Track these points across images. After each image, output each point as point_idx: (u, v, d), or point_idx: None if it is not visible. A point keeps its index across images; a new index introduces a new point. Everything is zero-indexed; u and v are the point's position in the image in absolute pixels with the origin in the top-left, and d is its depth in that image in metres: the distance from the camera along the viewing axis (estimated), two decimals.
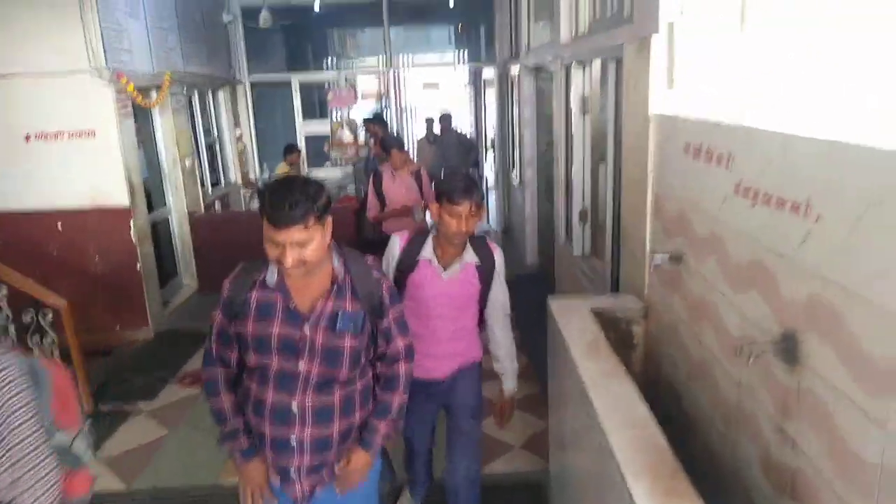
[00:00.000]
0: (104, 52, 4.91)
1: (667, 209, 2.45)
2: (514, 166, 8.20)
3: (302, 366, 1.82)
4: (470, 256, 2.43)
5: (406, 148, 5.75)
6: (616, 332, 2.72)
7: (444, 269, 2.42)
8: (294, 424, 1.85)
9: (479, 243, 2.48)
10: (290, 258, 1.68)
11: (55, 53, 4.84)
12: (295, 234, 1.65)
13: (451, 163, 8.01)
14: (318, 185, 1.73)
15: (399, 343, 1.98)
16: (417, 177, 4.90)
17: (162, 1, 6.16)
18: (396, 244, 2.47)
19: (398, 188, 4.83)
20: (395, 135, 5.44)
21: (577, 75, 4.19)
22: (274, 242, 1.69)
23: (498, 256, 2.50)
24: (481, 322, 2.61)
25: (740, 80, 2.39)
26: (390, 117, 9.23)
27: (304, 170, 8.55)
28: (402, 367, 1.99)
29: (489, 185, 9.72)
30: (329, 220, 1.75)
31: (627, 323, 2.73)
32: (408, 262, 2.43)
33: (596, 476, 1.94)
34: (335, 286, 1.84)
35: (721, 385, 1.96)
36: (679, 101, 2.47)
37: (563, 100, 4.56)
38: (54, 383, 1.70)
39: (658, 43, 2.44)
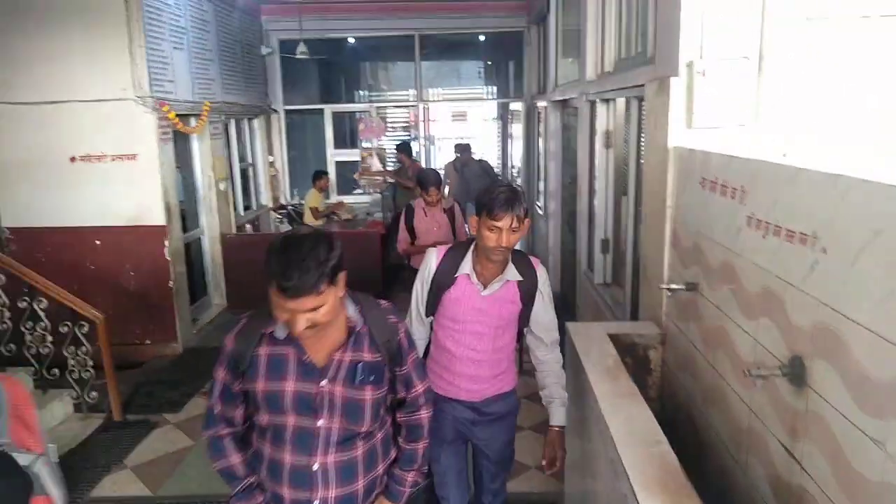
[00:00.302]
0: (149, 81, 5.19)
1: (683, 240, 2.53)
2: (538, 197, 8.33)
3: (321, 423, 1.71)
4: (512, 274, 2.27)
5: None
6: (634, 358, 2.79)
7: (484, 286, 2.27)
8: (316, 486, 1.73)
9: (520, 260, 2.32)
10: (300, 325, 1.57)
11: (104, 82, 5.13)
12: (306, 303, 1.54)
13: (475, 188, 8.17)
14: (329, 243, 1.59)
15: (419, 388, 1.90)
16: (451, 214, 4.77)
17: (205, 34, 6.48)
18: (434, 258, 2.32)
19: (429, 224, 4.72)
20: (432, 169, 5.28)
21: (601, 111, 4.31)
22: (283, 309, 1.57)
23: (541, 273, 2.34)
24: (519, 342, 2.48)
25: (757, 117, 2.48)
26: (419, 147, 9.46)
27: (334, 196, 8.77)
28: (424, 413, 1.92)
29: None
30: (342, 275, 1.63)
31: (645, 349, 2.79)
32: (445, 277, 2.28)
33: (609, 494, 2.00)
34: (352, 336, 1.74)
35: (733, 409, 2.02)
36: (697, 137, 2.57)
37: (587, 134, 4.69)
38: (10, 400, 1.68)
39: (677, 84, 2.55)
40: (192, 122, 6.10)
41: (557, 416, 2.39)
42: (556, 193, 6.90)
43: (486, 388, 2.39)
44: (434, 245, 4.66)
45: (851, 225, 1.38)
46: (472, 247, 2.30)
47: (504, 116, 10.65)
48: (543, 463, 2.40)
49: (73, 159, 5.33)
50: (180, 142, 6.13)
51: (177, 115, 5.53)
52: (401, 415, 1.93)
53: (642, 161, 3.21)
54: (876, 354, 1.29)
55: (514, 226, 2.11)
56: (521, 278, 2.29)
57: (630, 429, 1.97)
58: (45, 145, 5.27)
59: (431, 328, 2.43)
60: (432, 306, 2.35)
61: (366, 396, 1.75)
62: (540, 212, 7.98)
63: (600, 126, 4.34)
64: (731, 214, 2.02)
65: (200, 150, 6.49)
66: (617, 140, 4.21)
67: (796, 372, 1.59)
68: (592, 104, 4.50)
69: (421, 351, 2.39)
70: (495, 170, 9.27)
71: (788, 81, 2.46)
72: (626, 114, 3.89)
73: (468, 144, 8.59)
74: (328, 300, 1.58)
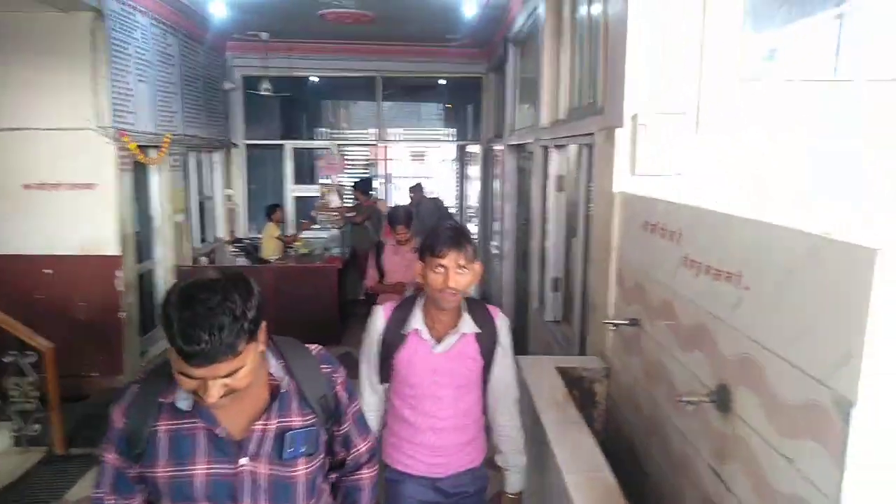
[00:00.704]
0: (111, 112, 5.21)
1: (627, 279, 2.71)
2: (493, 237, 8.54)
3: None
4: (468, 326, 2.06)
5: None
6: (580, 391, 2.92)
7: (438, 341, 2.06)
8: None
9: (477, 309, 2.12)
10: (214, 394, 1.26)
11: (65, 111, 5.12)
12: (220, 369, 1.24)
13: (427, 225, 8.34)
14: (245, 287, 1.29)
15: (361, 446, 1.64)
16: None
17: (169, 67, 6.54)
18: (380, 316, 2.11)
19: (398, 263, 4.66)
20: (401, 206, 5.33)
21: (554, 156, 4.54)
22: (188, 378, 1.26)
23: (500, 324, 2.12)
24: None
25: (694, 167, 2.71)
26: (379, 185, 9.61)
27: (290, 230, 8.80)
28: (366, 473, 1.67)
29: None
30: (263, 327, 1.34)
31: (590, 382, 2.93)
32: (394, 336, 2.06)
33: None
34: (276, 398, 1.42)
35: (670, 437, 2.16)
36: (641, 184, 2.77)
37: (541, 178, 4.91)
38: None
39: (622, 134, 2.76)
40: (153, 153, 6.10)
41: (515, 483, 2.22)
42: (511, 233, 7.11)
43: (452, 460, 2.16)
44: (397, 284, 4.54)
45: (769, 265, 1.56)
46: (420, 300, 2.10)
47: (462, 158, 10.93)
48: None
49: (26, 187, 5.26)
50: (138, 173, 6.11)
51: (137, 146, 5.53)
52: (336, 476, 1.65)
53: (591, 205, 3.41)
54: (788, 381, 1.45)
55: (461, 263, 1.94)
56: (478, 330, 2.07)
57: (575, 456, 2.09)
58: None
59: (387, 396, 2.22)
60: (385, 371, 2.13)
61: (298, 472, 1.44)
62: (495, 251, 8.17)
63: (553, 171, 4.56)
64: (669, 255, 2.20)
65: (159, 182, 6.47)
66: (568, 184, 4.43)
67: (723, 399, 1.75)
68: (546, 149, 4.73)
69: (374, 424, 2.15)
70: (450, 209, 9.46)
71: (722, 135, 2.70)
72: (577, 160, 4.12)
73: (419, 184, 8.79)
74: (247, 360, 1.28)
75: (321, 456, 1.52)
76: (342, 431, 1.59)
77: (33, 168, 5.22)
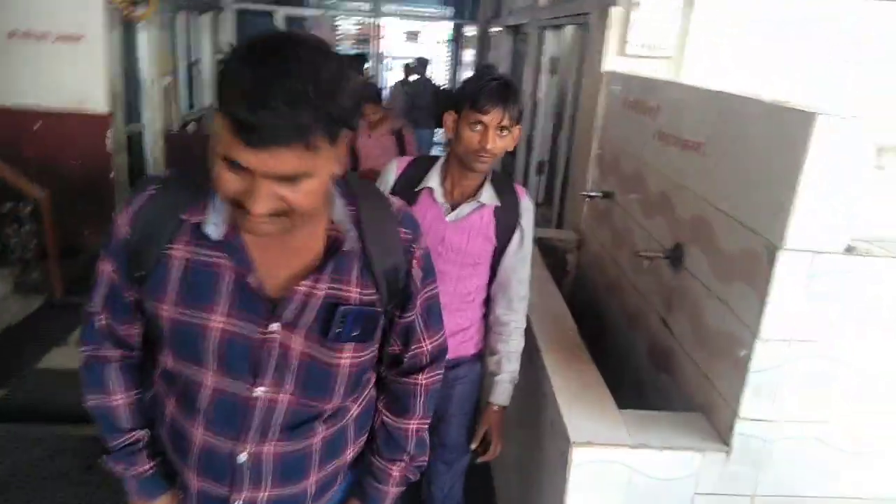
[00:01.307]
0: None
1: (607, 155, 2.87)
2: None
3: (261, 392, 1.07)
4: (488, 196, 1.77)
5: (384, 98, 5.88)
6: (553, 260, 3.16)
7: (452, 208, 1.79)
8: (240, 484, 1.12)
9: (502, 183, 1.83)
10: (262, 202, 0.89)
11: None
12: (282, 161, 0.86)
13: (422, 109, 8.28)
14: (343, 65, 0.90)
15: (426, 345, 1.23)
16: (399, 137, 4.11)
17: None
18: (394, 168, 1.84)
19: (372, 147, 4.04)
20: (374, 84, 4.83)
21: (550, 38, 4.54)
22: (236, 168, 0.88)
23: (526, 204, 1.83)
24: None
25: (683, 49, 2.80)
26: (372, 63, 9.43)
27: None
28: (423, 379, 1.26)
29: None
30: (347, 135, 0.95)
31: (563, 252, 3.16)
32: (403, 193, 1.73)
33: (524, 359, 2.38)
34: (334, 255, 1.05)
35: (627, 295, 2.42)
36: (632, 65, 2.86)
37: (535, 61, 4.92)
38: None
39: (616, 13, 2.81)
40: (141, 9, 5.93)
41: (501, 394, 1.87)
42: None
43: (451, 345, 1.73)
44: (369, 172, 3.85)
45: (726, 133, 1.72)
46: (441, 159, 1.83)
47: (459, 40, 10.66)
48: (473, 447, 1.94)
49: (11, 34, 5.14)
50: (126, 31, 5.96)
51: (125, 1, 5.38)
52: (388, 374, 1.27)
53: (581, 86, 3.50)
54: (730, 234, 1.66)
55: (504, 124, 1.66)
56: (498, 203, 1.79)
57: (543, 308, 2.33)
58: None
59: None
60: None
61: (342, 360, 1.10)
62: None
63: (548, 52, 4.58)
64: (645, 129, 2.35)
65: (147, 41, 6.33)
66: (562, 67, 4.47)
67: (677, 255, 1.97)
68: (542, 30, 4.72)
69: None
70: (445, 90, 9.34)
71: (714, 19, 2.77)
72: (572, 42, 4.14)
73: (426, 59, 8.50)
74: (319, 168, 0.91)
75: (374, 347, 1.16)
76: (406, 320, 1.18)
77: (20, 15, 5.09)
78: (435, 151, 9.47)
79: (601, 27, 2.96)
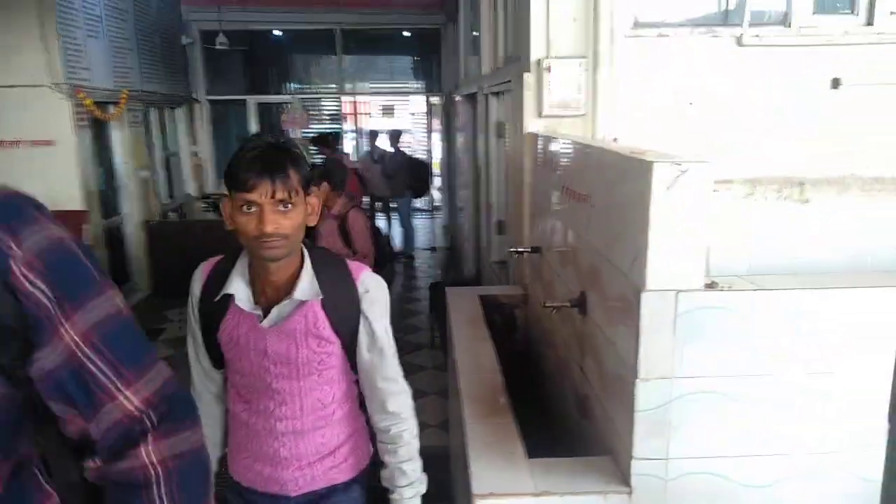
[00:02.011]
0: (64, 68, 5.31)
1: (534, 210, 2.99)
2: (457, 189, 8.76)
3: None
4: (306, 289, 1.47)
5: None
6: (502, 316, 3.23)
7: (266, 311, 1.50)
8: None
9: (328, 265, 1.53)
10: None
11: (17, 68, 5.22)
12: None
13: (398, 184, 8.51)
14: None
15: (125, 399, 0.92)
16: (342, 222, 3.67)
17: (122, 23, 6.59)
18: (198, 275, 1.56)
19: (322, 229, 3.61)
20: (338, 161, 4.62)
21: (493, 103, 4.76)
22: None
23: (366, 284, 1.53)
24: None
25: (594, 108, 2.96)
26: (354, 139, 9.73)
27: None
28: (149, 461, 0.95)
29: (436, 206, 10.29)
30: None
31: (511, 308, 3.23)
32: (211, 302, 1.52)
33: (455, 415, 2.42)
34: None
35: (556, 344, 2.48)
36: (547, 125, 3.02)
37: (484, 125, 5.13)
38: None
39: (529, 79, 3.00)
40: (111, 109, 6.22)
41: (405, 495, 1.58)
42: (468, 183, 7.33)
43: (306, 475, 1.58)
44: None
45: (603, 185, 1.83)
46: (244, 254, 1.52)
47: (430, 111, 11.06)
48: None
49: None
50: (99, 129, 6.23)
51: (94, 103, 5.66)
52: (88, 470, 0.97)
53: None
54: (612, 279, 1.74)
55: (280, 197, 1.36)
56: (321, 296, 1.48)
57: (474, 363, 2.39)
58: None
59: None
60: (215, 352, 1.58)
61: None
62: (460, 204, 8.41)
63: (492, 117, 4.78)
64: (554, 185, 2.47)
65: (121, 138, 6.60)
66: (508, 130, 4.66)
67: (581, 303, 2.05)
68: (486, 97, 4.94)
69: (211, 432, 1.61)
70: (419, 161, 9.60)
71: (616, 78, 2.94)
72: (509, 107, 4.34)
73: (399, 131, 8.79)
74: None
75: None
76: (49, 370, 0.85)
77: None
78: (416, 220, 9.68)
79: (519, 91, 3.14)
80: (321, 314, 1.50)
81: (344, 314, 1.52)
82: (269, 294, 1.51)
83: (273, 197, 1.36)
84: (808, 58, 3.06)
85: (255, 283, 1.51)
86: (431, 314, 5.45)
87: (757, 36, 3.01)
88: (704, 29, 3.00)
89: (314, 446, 1.58)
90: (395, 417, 1.58)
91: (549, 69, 2.92)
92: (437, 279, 7.04)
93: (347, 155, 9.03)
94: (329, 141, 7.95)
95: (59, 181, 5.52)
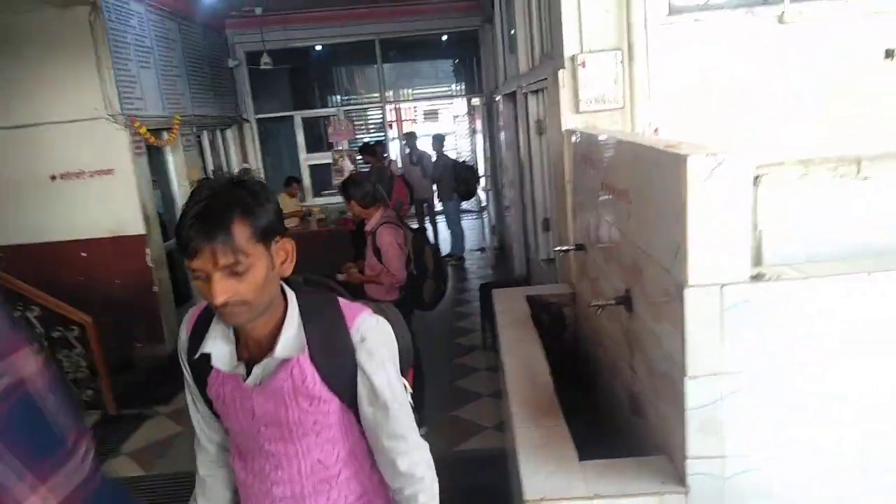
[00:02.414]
0: (119, 100, 5.57)
1: (577, 209, 2.95)
2: (503, 188, 8.74)
3: None
4: (288, 345, 1.28)
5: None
6: (550, 315, 3.21)
7: (250, 367, 1.32)
8: None
9: (316, 311, 1.32)
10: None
11: (76, 103, 5.50)
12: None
13: (445, 188, 8.54)
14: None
15: None
16: (372, 240, 3.71)
17: (170, 51, 6.86)
18: (186, 322, 1.41)
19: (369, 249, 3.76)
20: (352, 175, 4.53)
21: (532, 101, 4.73)
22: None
23: (362, 331, 1.31)
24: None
25: (632, 100, 2.91)
26: (398, 147, 9.85)
27: (309, 200, 9.18)
28: None
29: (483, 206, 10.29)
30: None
31: (559, 307, 3.21)
32: (196, 358, 1.34)
33: (506, 418, 2.42)
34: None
35: (606, 343, 2.44)
36: (589, 119, 2.98)
37: (525, 124, 5.10)
38: None
39: (564, 75, 2.97)
40: (164, 135, 6.48)
41: None
42: (514, 182, 7.30)
43: None
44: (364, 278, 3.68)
45: (640, 180, 1.80)
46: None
47: (471, 112, 11.08)
48: None
49: (53, 178, 5.70)
50: (155, 155, 6.51)
51: (148, 130, 5.91)
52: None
53: None
54: (655, 275, 1.71)
55: (225, 264, 1.14)
56: (305, 351, 1.28)
57: (522, 365, 2.39)
58: (25, 165, 5.65)
59: None
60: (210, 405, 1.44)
61: None
62: (506, 203, 8.39)
63: (532, 115, 4.76)
64: (595, 182, 2.44)
65: (175, 162, 6.86)
66: (547, 128, 4.62)
67: (627, 300, 2.01)
68: (525, 96, 4.91)
69: (215, 494, 1.54)
70: (463, 162, 9.62)
71: (653, 68, 2.88)
72: (547, 105, 4.30)
73: (442, 136, 8.75)
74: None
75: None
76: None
77: (57, 159, 5.66)
78: (464, 222, 9.71)
79: (555, 88, 3.11)
80: (310, 370, 1.29)
81: (337, 368, 1.30)
82: (251, 348, 1.32)
83: (217, 265, 1.14)
84: (858, 30, 2.92)
85: (240, 336, 1.33)
86: (483, 315, 5.45)
87: (800, 12, 2.89)
88: (743, 10, 2.90)
89: None
90: (407, 478, 1.37)
91: (583, 64, 2.89)
92: (487, 280, 7.03)
93: (394, 162, 9.11)
94: (374, 150, 8.06)
95: (120, 207, 5.80)
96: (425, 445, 1.41)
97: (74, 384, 4.88)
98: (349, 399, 1.34)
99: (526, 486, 1.63)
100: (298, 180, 8.43)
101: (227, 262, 1.15)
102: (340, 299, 1.37)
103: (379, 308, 1.45)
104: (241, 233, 1.16)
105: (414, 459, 1.38)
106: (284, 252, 1.27)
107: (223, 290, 1.16)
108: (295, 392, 1.30)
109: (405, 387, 1.41)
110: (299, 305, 1.32)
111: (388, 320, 1.39)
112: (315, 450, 1.35)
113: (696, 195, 1.41)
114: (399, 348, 1.40)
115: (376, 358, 1.32)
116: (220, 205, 1.16)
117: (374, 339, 1.32)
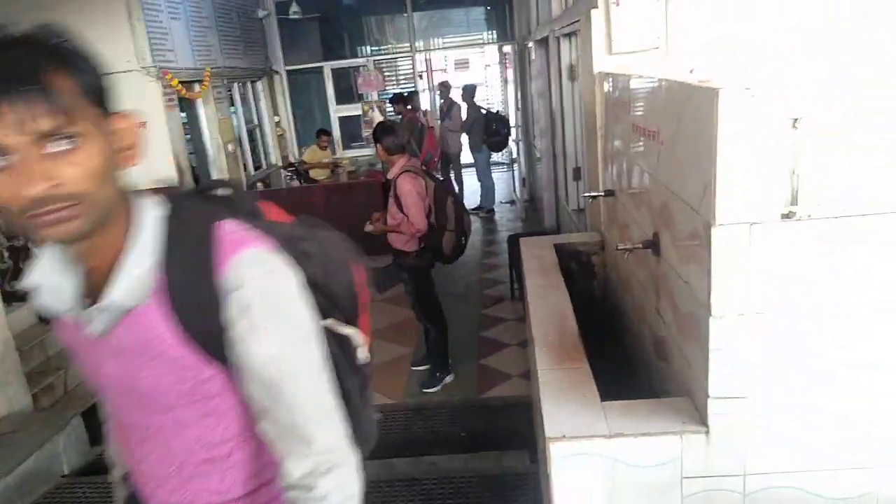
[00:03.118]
0: (151, 52, 5.60)
1: (608, 153, 2.89)
2: (534, 139, 8.59)
3: None
4: (124, 287, 0.88)
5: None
6: (579, 264, 3.19)
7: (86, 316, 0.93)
8: None
9: (192, 234, 0.92)
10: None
11: (110, 55, 5.47)
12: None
13: (475, 139, 8.43)
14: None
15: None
16: (394, 187, 3.74)
17: (200, 2, 6.83)
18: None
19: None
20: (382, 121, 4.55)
21: (564, 46, 4.60)
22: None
23: (243, 274, 0.89)
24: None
25: (667, 41, 2.80)
26: (428, 97, 9.73)
27: (339, 152, 9.18)
28: None
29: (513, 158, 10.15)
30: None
31: (587, 255, 3.18)
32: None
33: (531, 361, 2.44)
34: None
35: (634, 288, 2.42)
36: (619, 62, 2.89)
37: (556, 69, 4.98)
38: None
39: (597, 15, 2.86)
40: (196, 88, 6.51)
41: None
42: (546, 131, 7.16)
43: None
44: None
45: (670, 119, 1.75)
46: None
47: (503, 60, 10.83)
48: None
49: None
50: (187, 108, 6.56)
51: (180, 83, 5.94)
52: None
53: None
54: (683, 216, 1.67)
55: (44, 129, 0.77)
56: (151, 296, 0.90)
57: (547, 310, 2.38)
58: None
59: None
60: None
61: None
62: (537, 154, 8.26)
63: (564, 60, 4.63)
64: (626, 124, 2.38)
65: (206, 115, 6.92)
66: (579, 72, 4.50)
67: (655, 243, 1.98)
68: (558, 40, 4.78)
69: None
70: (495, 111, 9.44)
71: (691, 6, 2.76)
72: (579, 48, 4.18)
73: (473, 86, 8.58)
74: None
75: None
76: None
77: None
78: (495, 174, 9.63)
79: (587, 29, 3.01)
80: (163, 325, 0.90)
81: (204, 322, 0.90)
82: (92, 283, 0.92)
83: (28, 133, 0.76)
84: None
85: (71, 263, 0.95)
86: (511, 267, 5.45)
87: None
88: None
89: (204, 496, 1.00)
90: (301, 491, 0.92)
91: (617, 3, 2.78)
92: (517, 232, 7.00)
93: (425, 112, 9.00)
94: (406, 99, 7.97)
95: (155, 160, 5.87)
96: (346, 456, 0.95)
97: None
98: (233, 364, 0.92)
99: (547, 424, 1.65)
100: (329, 133, 8.41)
101: (46, 126, 0.76)
102: (226, 222, 0.93)
103: (310, 233, 1.05)
104: (63, 86, 0.78)
105: (315, 468, 0.91)
106: (130, 133, 0.90)
107: (42, 173, 0.76)
108: (144, 353, 0.91)
109: (347, 344, 1.05)
110: (167, 227, 0.92)
111: (319, 246, 1.03)
112: (193, 425, 0.97)
113: (727, 131, 1.37)
114: (333, 291, 1.04)
115: (251, 316, 0.89)
116: (25, 48, 0.78)
117: (254, 287, 0.89)
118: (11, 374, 3.55)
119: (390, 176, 3.77)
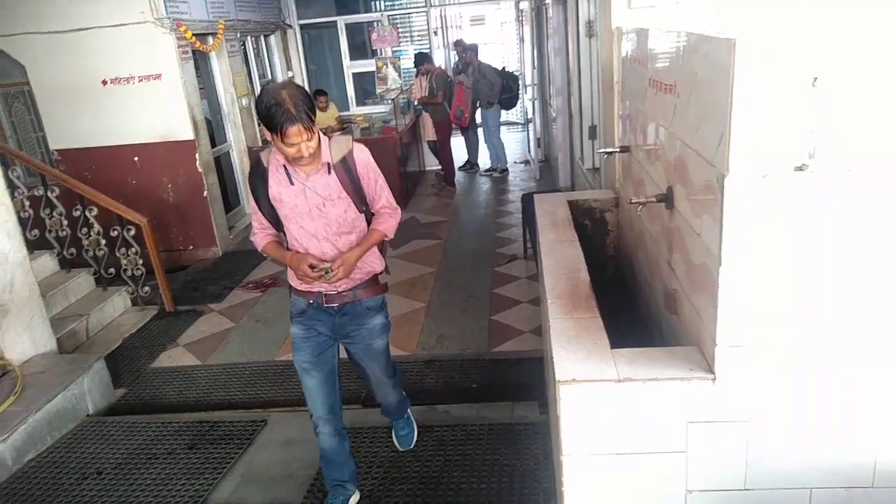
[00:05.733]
0: (164, 3, 5.56)
1: (625, 109, 2.88)
2: (550, 98, 8.49)
3: None
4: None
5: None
6: (592, 220, 3.21)
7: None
8: None
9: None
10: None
11: (124, 7, 5.52)
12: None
13: (483, 96, 8.34)
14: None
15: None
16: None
17: None
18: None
19: None
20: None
21: (582, 1, 4.52)
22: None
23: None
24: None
25: None
26: (445, 54, 9.62)
27: (353, 109, 9.13)
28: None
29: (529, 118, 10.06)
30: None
31: (601, 212, 3.20)
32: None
33: (543, 315, 2.49)
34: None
35: (647, 243, 2.45)
36: (640, 16, 2.86)
37: (575, 26, 4.90)
38: None
39: None
40: (210, 41, 6.47)
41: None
42: (562, 90, 7.09)
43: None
44: None
45: (686, 71, 1.75)
46: None
47: (520, 17, 10.61)
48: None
49: (104, 82, 5.81)
50: (201, 61, 6.53)
51: (194, 35, 5.91)
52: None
53: None
54: (698, 168, 1.69)
55: (304, 138, 2.07)
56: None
57: (560, 263, 2.42)
58: (77, 71, 5.75)
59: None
60: None
61: None
62: (553, 113, 8.18)
63: (582, 16, 4.56)
64: (643, 80, 2.37)
65: (220, 69, 6.89)
66: (597, 28, 4.44)
67: (668, 197, 2.00)
68: None
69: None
70: (507, 70, 9.32)
71: None
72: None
73: (475, 45, 8.52)
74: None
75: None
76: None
77: (107, 64, 5.74)
78: (509, 134, 9.51)
79: None
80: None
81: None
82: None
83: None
84: None
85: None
86: (524, 226, 5.47)
87: None
88: None
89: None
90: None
91: None
92: (529, 191, 6.99)
93: (441, 68, 8.88)
94: (431, 58, 7.92)
95: (169, 113, 5.90)
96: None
97: (132, 281, 5.15)
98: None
99: (558, 369, 1.70)
100: (325, 93, 8.31)
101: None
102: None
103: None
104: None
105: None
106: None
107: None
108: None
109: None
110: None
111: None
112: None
113: (743, 82, 1.37)
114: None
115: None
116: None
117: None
118: (36, 318, 3.66)
119: None
